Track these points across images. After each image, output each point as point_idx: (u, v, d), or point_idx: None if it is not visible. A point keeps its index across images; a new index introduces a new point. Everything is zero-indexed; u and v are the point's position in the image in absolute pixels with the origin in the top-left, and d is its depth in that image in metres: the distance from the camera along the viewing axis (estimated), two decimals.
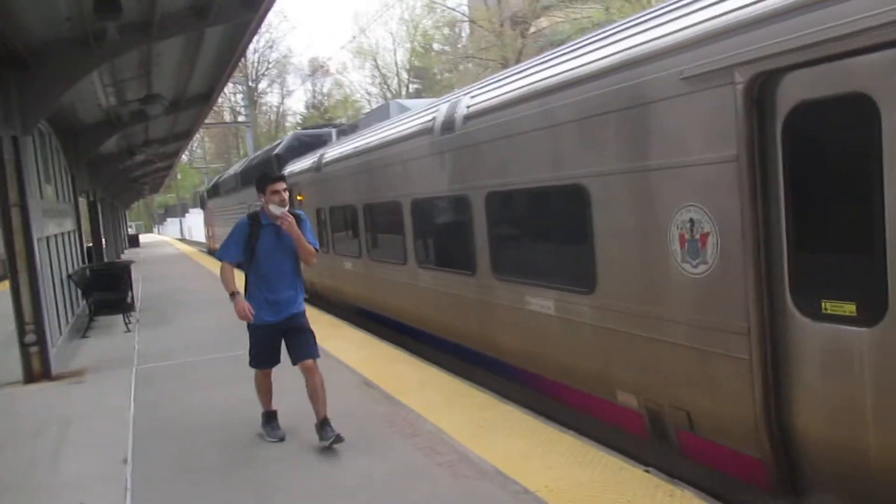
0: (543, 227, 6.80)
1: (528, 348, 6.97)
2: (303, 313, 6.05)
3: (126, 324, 12.90)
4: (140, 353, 10.61)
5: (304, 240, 5.83)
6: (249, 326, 6.05)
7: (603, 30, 5.80)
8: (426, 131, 8.72)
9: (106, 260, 25.64)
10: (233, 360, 9.47)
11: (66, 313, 12.47)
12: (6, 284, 9.36)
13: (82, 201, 19.91)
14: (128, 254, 42.94)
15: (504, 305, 7.24)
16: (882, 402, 3.61)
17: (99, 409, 7.64)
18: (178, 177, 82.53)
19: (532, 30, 43.19)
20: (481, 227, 7.52)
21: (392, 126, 10.42)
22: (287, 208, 5.82)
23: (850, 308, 3.73)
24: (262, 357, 6.12)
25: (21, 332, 9.01)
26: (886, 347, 3.56)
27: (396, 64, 64.09)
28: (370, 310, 11.97)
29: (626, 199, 5.33)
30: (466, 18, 52.67)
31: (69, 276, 12.57)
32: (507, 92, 6.73)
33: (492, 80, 7.54)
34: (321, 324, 11.72)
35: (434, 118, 8.54)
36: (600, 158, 5.48)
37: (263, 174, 6.22)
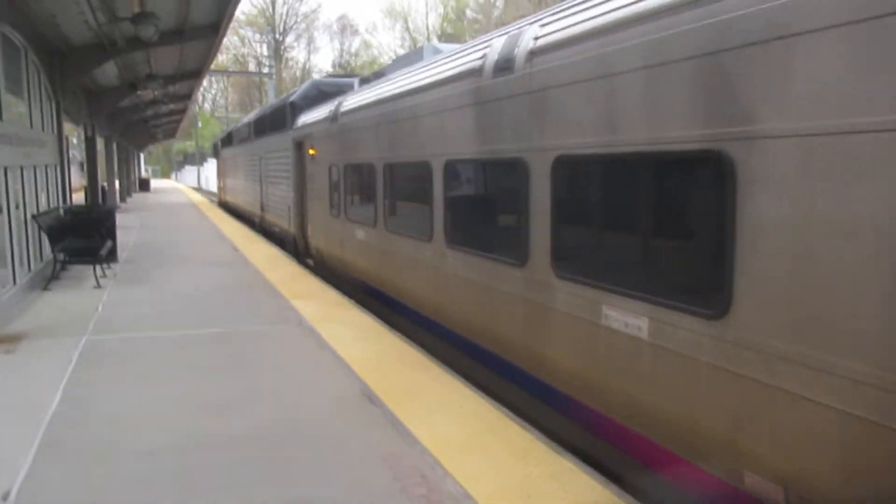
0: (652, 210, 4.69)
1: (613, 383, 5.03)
2: None
3: (97, 278, 11.07)
4: (100, 318, 8.78)
5: None
6: None
7: None
8: (471, 73, 6.71)
9: (102, 202, 23.90)
10: (202, 341, 7.66)
11: (27, 259, 10.65)
12: None
13: (76, 134, 18.12)
14: (135, 198, 41.39)
15: (572, 315, 5.28)
16: None
17: (14, 399, 5.80)
18: (199, 125, 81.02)
19: None
20: (541, 204, 5.54)
21: (424, 69, 8.40)
22: None
23: None
24: None
25: None
26: None
27: (428, 28, 61.92)
28: (381, 290, 10.06)
29: (794, 175, 3.36)
30: None
31: (33, 217, 10.72)
32: (619, 7, 4.64)
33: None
34: (324, 301, 9.88)
35: (484, 56, 6.52)
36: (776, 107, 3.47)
37: None
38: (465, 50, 7.28)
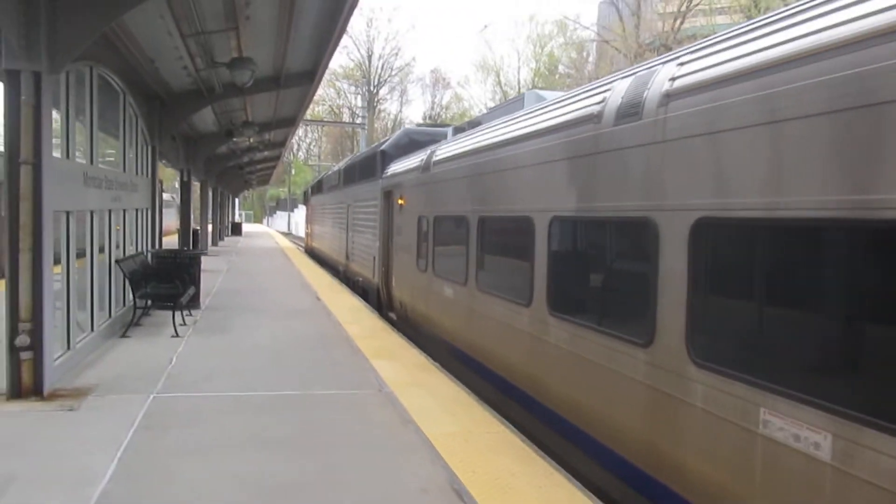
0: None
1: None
2: None
3: (175, 326, 10.68)
4: (172, 371, 8.28)
5: None
6: None
7: None
8: (587, 119, 5.91)
9: (194, 246, 24.26)
10: (275, 405, 6.98)
11: (108, 304, 10.39)
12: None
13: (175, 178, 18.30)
14: (227, 241, 42.37)
15: (715, 414, 4.28)
16: None
17: (66, 467, 5.21)
18: (293, 172, 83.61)
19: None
20: (674, 272, 4.60)
21: (528, 116, 7.67)
22: None
23: None
24: None
25: (12, 332, 6.81)
26: None
27: (519, 82, 61.88)
28: (468, 354, 9.20)
29: None
30: (596, 38, 49.50)
31: (116, 262, 10.49)
32: (797, 37, 3.74)
33: (727, 34, 4.60)
34: (406, 362, 9.11)
35: (604, 100, 5.71)
36: None
37: None
38: (578, 94, 6.49)
